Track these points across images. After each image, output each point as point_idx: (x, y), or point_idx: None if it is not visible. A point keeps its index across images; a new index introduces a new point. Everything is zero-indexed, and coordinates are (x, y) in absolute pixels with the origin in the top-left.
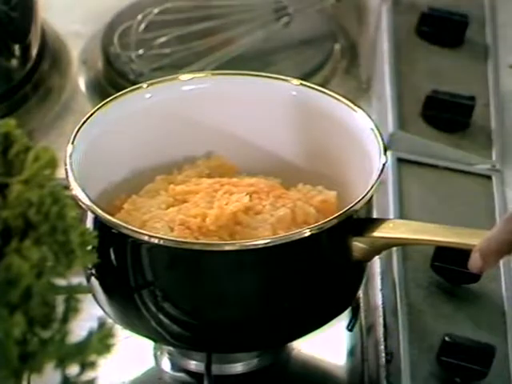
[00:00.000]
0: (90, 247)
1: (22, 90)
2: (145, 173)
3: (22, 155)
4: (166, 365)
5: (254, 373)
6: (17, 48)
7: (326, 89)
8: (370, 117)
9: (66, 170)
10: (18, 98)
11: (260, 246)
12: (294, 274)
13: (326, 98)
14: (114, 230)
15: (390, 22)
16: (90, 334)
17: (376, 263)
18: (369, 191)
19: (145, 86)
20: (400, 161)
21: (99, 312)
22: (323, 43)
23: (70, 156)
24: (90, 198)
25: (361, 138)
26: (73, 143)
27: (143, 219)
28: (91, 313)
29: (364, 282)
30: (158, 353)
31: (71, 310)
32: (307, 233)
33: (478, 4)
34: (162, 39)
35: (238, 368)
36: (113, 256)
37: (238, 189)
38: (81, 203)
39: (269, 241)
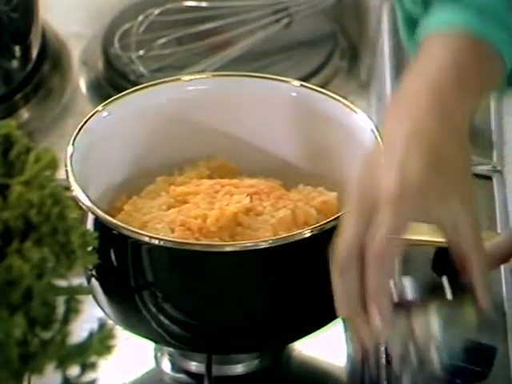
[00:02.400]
0: (90, 248)
1: (22, 91)
2: (145, 174)
3: (22, 156)
4: (166, 366)
5: (255, 374)
6: (17, 49)
7: (327, 90)
8: (370, 118)
9: (66, 171)
10: (18, 99)
11: (261, 247)
12: (295, 274)
13: (327, 99)
14: (114, 231)
15: (390, 22)
16: (91, 335)
17: None
18: None
19: (145, 87)
20: None
21: (100, 313)
22: (324, 44)
23: (71, 157)
24: (90, 199)
25: (361, 138)
26: (73, 144)
27: (144, 220)
28: (92, 314)
29: None
30: (159, 354)
31: (72, 310)
32: (308, 234)
33: None
34: (163, 40)
35: (239, 369)
36: (113, 257)
37: (238, 190)
38: (81, 204)
39: (270, 242)
